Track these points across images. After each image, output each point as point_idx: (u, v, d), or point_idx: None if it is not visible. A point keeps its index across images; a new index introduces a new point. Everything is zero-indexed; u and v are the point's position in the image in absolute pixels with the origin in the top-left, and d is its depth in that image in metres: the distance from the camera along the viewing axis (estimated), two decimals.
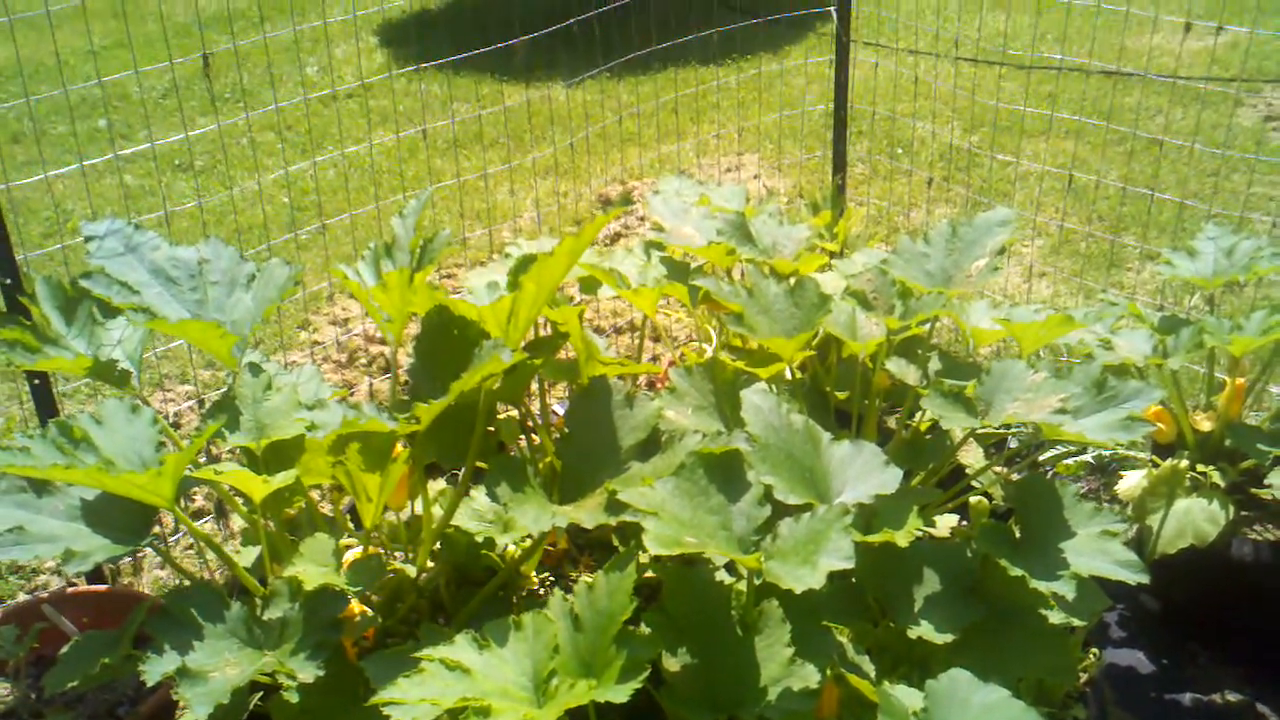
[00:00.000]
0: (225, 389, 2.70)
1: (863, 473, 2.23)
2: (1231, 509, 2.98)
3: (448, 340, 2.39)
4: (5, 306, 2.92)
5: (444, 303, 2.40)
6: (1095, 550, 2.33)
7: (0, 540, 2.31)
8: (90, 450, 2.37)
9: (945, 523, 2.86)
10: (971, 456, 2.94)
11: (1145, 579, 2.26)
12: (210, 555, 3.39)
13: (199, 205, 4.15)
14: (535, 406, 3.13)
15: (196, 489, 3.97)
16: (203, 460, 3.61)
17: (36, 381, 3.00)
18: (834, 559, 1.90)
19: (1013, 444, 3.55)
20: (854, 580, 2.41)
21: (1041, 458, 3.54)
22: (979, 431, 3.00)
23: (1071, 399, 2.50)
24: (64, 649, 2.49)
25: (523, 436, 2.96)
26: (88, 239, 2.72)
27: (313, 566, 2.37)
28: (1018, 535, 2.46)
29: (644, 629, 2.06)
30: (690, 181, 3.41)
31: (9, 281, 2.90)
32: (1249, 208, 5.11)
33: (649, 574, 2.73)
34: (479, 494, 2.77)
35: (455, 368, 2.24)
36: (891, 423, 3.27)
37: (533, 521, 2.17)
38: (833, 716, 2.17)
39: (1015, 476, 3.01)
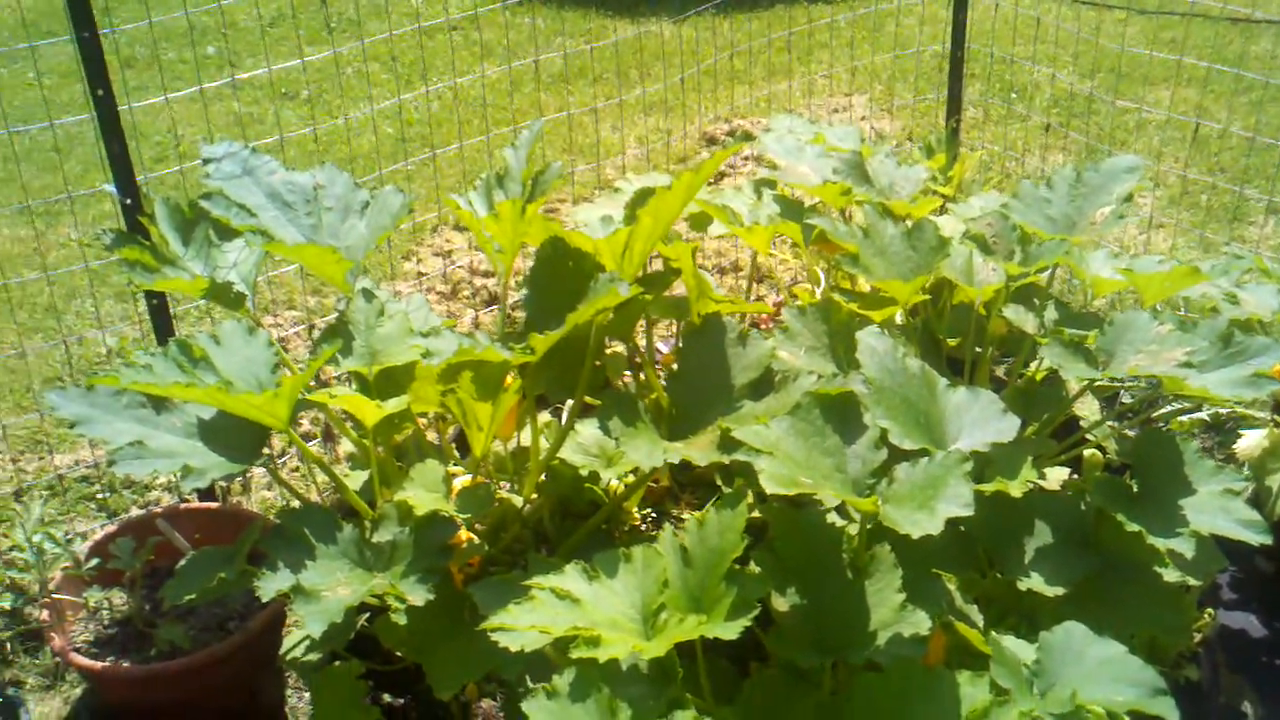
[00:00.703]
0: (337, 314, 2.73)
1: (979, 420, 2.19)
2: None
3: (562, 272, 2.38)
4: (125, 226, 2.97)
5: (559, 234, 2.39)
6: (1216, 508, 2.27)
7: (121, 454, 2.36)
8: (209, 370, 2.41)
9: (1055, 475, 2.80)
10: (1086, 409, 2.87)
11: (1268, 539, 2.20)
12: (317, 478, 3.44)
13: (313, 132, 4.18)
14: (641, 343, 3.12)
15: (303, 413, 4.04)
16: (311, 385, 3.67)
17: (155, 301, 3.06)
18: (953, 505, 1.87)
19: (1125, 399, 3.47)
20: (963, 529, 2.38)
21: (1156, 414, 3.46)
22: (1096, 384, 2.94)
23: (1196, 353, 2.42)
24: (181, 562, 2.55)
25: (628, 373, 2.96)
26: (206, 161, 2.75)
27: (423, 492, 2.40)
28: (1135, 490, 2.41)
29: (753, 568, 2.05)
30: (802, 120, 3.35)
31: (129, 202, 2.94)
32: None
33: (755, 514, 2.72)
34: (584, 428, 2.78)
35: (569, 300, 2.23)
36: (1000, 372, 3.22)
37: (645, 456, 2.17)
38: (938, 664, 2.15)
39: (1129, 432, 2.94)
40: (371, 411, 2.48)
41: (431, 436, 3.42)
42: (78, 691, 2.92)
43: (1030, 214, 2.68)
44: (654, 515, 3.05)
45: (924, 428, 2.16)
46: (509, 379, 2.45)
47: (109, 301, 4.52)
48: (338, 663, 2.53)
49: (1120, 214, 2.60)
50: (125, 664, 2.63)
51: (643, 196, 2.35)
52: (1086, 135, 5.36)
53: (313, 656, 2.72)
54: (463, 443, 3.14)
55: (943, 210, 3.15)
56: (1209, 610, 2.54)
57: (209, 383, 2.33)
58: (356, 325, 2.69)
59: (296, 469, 3.69)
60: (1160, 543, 2.17)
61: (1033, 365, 2.82)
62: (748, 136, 3.76)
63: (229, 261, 2.78)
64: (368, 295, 2.74)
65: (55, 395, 2.42)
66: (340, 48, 6.40)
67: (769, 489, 1.87)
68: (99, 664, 2.59)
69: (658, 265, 2.83)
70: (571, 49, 6.56)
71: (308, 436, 3.80)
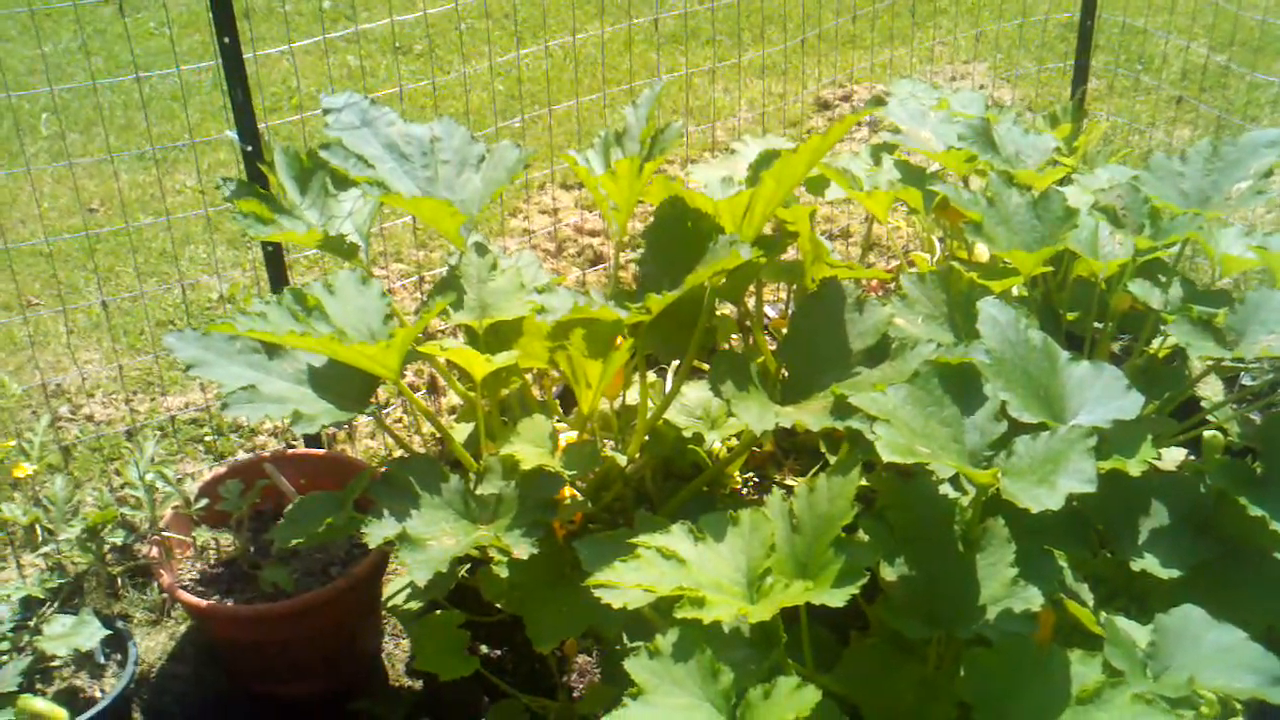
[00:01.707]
0: (448, 268, 2.74)
1: (1102, 395, 2.13)
2: None
3: (681, 232, 2.36)
4: (245, 174, 3.02)
5: (679, 194, 2.37)
6: None
7: (234, 398, 2.40)
8: (322, 319, 2.43)
9: (1171, 456, 2.72)
10: (1210, 390, 2.78)
11: None
12: (422, 429, 3.48)
13: (430, 84, 4.19)
14: (750, 306, 3.09)
15: (409, 365, 4.09)
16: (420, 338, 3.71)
17: (270, 249, 3.10)
18: (1074, 481, 1.82)
19: (1247, 381, 3.36)
20: (1076, 505, 2.32)
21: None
22: (1220, 365, 2.85)
23: None
24: (289, 507, 2.59)
25: (736, 336, 2.93)
26: (326, 111, 2.78)
27: (529, 447, 2.41)
28: (1258, 474, 2.33)
29: (862, 536, 2.02)
30: (925, 85, 3.28)
31: (250, 149, 2.98)
32: None
33: (863, 483, 2.69)
34: (690, 390, 2.76)
35: (687, 260, 2.21)
36: (1117, 350, 3.13)
37: (756, 419, 2.14)
38: (1046, 642, 2.10)
39: (1253, 415, 2.84)
40: (481, 365, 2.49)
41: (536, 393, 3.44)
42: (183, 628, 3.00)
43: (1162, 187, 2.60)
44: (756, 480, 3.04)
45: (1044, 401, 2.10)
46: (619, 338, 2.44)
47: (222, 248, 4.60)
48: (439, 612, 2.56)
49: (1259, 190, 2.50)
50: (230, 602, 2.69)
51: (766, 159, 2.31)
52: (1217, 109, 5.18)
53: (414, 605, 2.76)
54: (566, 400, 3.14)
55: (1067, 182, 3.06)
56: None
57: (323, 332, 2.35)
58: (468, 279, 2.70)
59: (400, 419, 3.73)
60: None
61: (1155, 343, 2.74)
62: (879, 101, 3.68)
63: (343, 211, 2.81)
64: (480, 249, 2.74)
65: (173, 338, 2.46)
66: (452, 4, 6.41)
67: (885, 456, 1.83)
68: (205, 602, 2.65)
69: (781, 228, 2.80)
70: (690, 8, 6.49)
71: (413, 388, 3.83)
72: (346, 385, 2.55)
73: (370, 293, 2.55)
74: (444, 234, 2.72)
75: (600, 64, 5.92)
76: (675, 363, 2.77)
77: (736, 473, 2.94)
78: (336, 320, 2.44)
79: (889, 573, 2.00)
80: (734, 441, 2.77)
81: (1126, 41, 5.80)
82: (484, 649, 2.74)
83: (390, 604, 2.78)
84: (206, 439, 3.66)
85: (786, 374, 2.30)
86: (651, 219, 2.48)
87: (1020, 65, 5.76)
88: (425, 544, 2.26)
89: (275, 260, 3.13)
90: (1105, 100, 5.41)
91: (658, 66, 5.66)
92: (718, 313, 2.94)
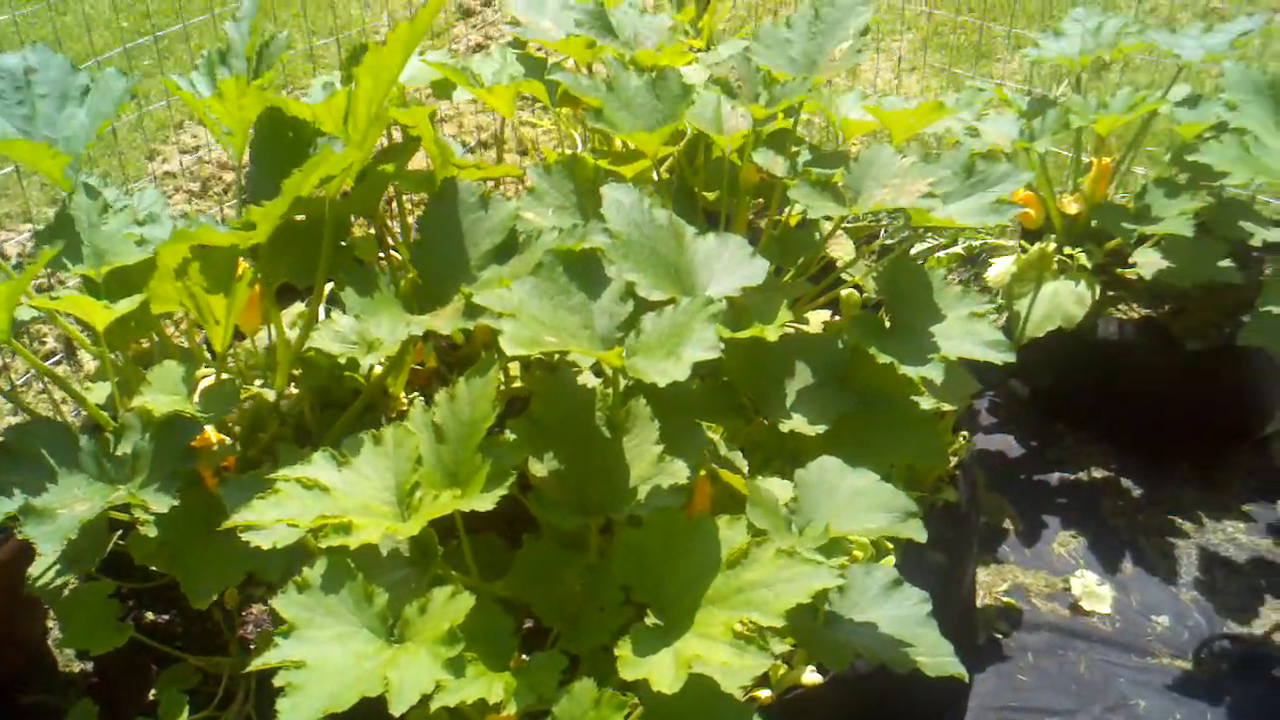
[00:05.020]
0: (55, 214, 2.52)
1: (729, 266, 2.16)
2: (1097, 289, 3.00)
3: (283, 144, 2.24)
4: None
5: (275, 104, 2.24)
6: (963, 333, 2.31)
7: None
8: None
9: (818, 318, 2.82)
10: (842, 250, 2.90)
11: (1012, 358, 2.25)
12: (56, 395, 3.23)
13: (52, 27, 3.83)
14: (397, 226, 3.00)
15: (46, 328, 3.79)
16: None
17: None
18: (698, 349, 1.84)
19: (888, 241, 3.53)
20: (725, 379, 2.37)
21: (913, 250, 3.53)
22: (851, 224, 2.96)
23: (940, 184, 2.44)
24: None
25: (383, 255, 2.83)
26: None
27: (161, 395, 2.25)
28: (888, 324, 2.44)
29: (508, 436, 1.99)
30: None
31: None
32: None
33: (518, 384, 2.67)
34: (341, 315, 2.65)
35: (291, 172, 2.09)
36: (763, 224, 3.21)
37: (388, 331, 2.08)
38: (705, 513, 2.15)
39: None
40: (100, 314, 2.31)
41: (190, 341, 3.24)
42: None
43: (772, 55, 2.64)
44: (424, 399, 2.96)
45: (674, 278, 2.12)
46: (244, 266, 2.31)
47: None
48: (85, 584, 2.39)
49: (858, 48, 2.58)
50: None
51: (356, 55, 2.21)
52: None
53: (64, 581, 2.56)
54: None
55: (695, 61, 3.08)
56: (963, 433, 2.61)
57: None
58: (80, 224, 2.50)
59: (43, 391, 3.45)
60: (911, 371, 2.20)
61: (787, 210, 2.82)
62: None
63: None
64: (90, 191, 2.53)
65: None
66: None
67: (509, 350, 1.80)
68: None
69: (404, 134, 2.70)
70: None
71: (52, 354, 3.56)
72: None
73: None
74: (47, 177, 2.49)
75: None
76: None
77: (402, 394, 2.86)
78: None
79: (538, 468, 1.99)
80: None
81: None
82: (150, 615, 2.58)
83: (39, 583, 2.57)
84: None
85: (421, 281, 2.23)
86: (252, 134, 2.34)
87: None
88: (54, 514, 2.09)
89: None
90: None
91: None
92: (359, 232, 2.84)
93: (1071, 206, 3.19)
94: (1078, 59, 3.14)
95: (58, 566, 2.59)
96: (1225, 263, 2.99)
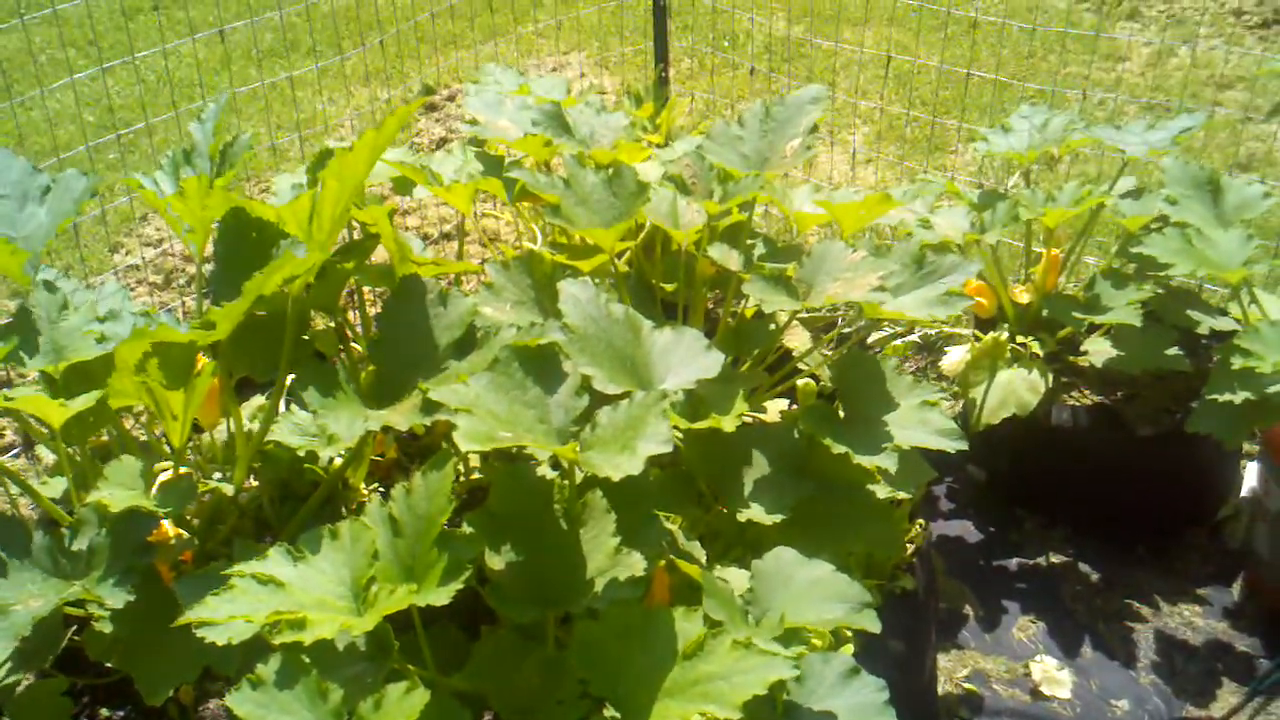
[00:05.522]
0: (16, 310, 2.54)
1: (685, 359, 2.20)
2: (1050, 377, 3.06)
3: (246, 245, 2.27)
4: None
5: (239, 205, 2.27)
6: (916, 421, 2.35)
7: None
8: None
9: (775, 407, 2.86)
10: (798, 340, 2.94)
11: (964, 446, 2.29)
12: (11, 490, 3.20)
13: (14, 122, 3.87)
14: (358, 319, 3.02)
15: (4, 421, 3.77)
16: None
17: None
18: (652, 444, 1.87)
19: (845, 329, 3.58)
20: (684, 469, 2.40)
21: (870, 339, 3.58)
22: (806, 315, 3.01)
23: (891, 276, 2.50)
24: None
25: (342, 347, 2.85)
26: None
27: (119, 490, 2.26)
28: (842, 414, 2.47)
29: (465, 529, 2.00)
30: (511, 72, 3.30)
31: None
32: (1062, 85, 5.21)
33: (478, 477, 2.68)
34: (300, 407, 2.66)
35: (254, 273, 2.12)
36: (722, 313, 3.26)
37: (346, 427, 2.09)
38: (663, 604, 2.16)
39: None
40: (56, 411, 2.32)
41: (149, 436, 3.24)
42: None
43: (725, 152, 2.71)
44: (382, 491, 2.97)
45: (631, 371, 2.15)
46: (204, 361, 2.33)
47: None
48: (37, 682, 2.36)
49: (808, 145, 2.65)
50: None
51: (323, 158, 2.25)
52: (793, 78, 5.49)
53: (17, 679, 2.53)
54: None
55: (652, 158, 3.15)
56: (920, 521, 2.64)
57: None
58: (39, 320, 2.51)
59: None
60: (866, 460, 2.23)
61: (742, 302, 2.86)
62: (429, 90, 3.67)
63: None
64: (49, 287, 2.55)
65: None
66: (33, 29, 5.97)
67: (463, 446, 1.82)
68: None
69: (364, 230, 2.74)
70: (287, 19, 6.30)
71: (10, 447, 3.54)
72: None
73: None
74: (6, 274, 2.51)
75: (199, 84, 5.67)
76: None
77: (362, 485, 2.86)
78: None
79: (495, 561, 1.99)
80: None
81: (712, 20, 6.07)
82: (105, 712, 2.55)
83: None
84: None
85: (379, 376, 2.25)
86: (215, 234, 2.37)
87: (614, 50, 5.92)
88: (8, 611, 2.09)
89: None
90: (697, 78, 5.64)
91: (250, 80, 5.48)
92: (318, 326, 2.86)
93: (1023, 296, 3.26)
94: (1026, 154, 3.22)
95: (10, 664, 2.56)
96: (1173, 350, 3.05)
